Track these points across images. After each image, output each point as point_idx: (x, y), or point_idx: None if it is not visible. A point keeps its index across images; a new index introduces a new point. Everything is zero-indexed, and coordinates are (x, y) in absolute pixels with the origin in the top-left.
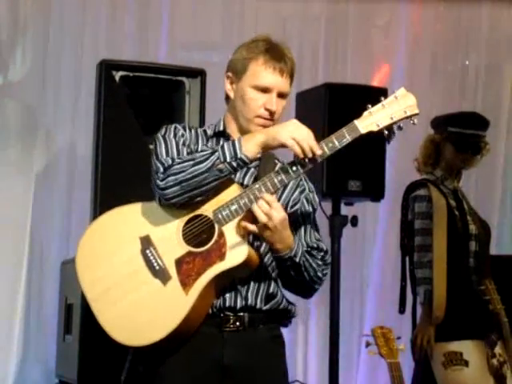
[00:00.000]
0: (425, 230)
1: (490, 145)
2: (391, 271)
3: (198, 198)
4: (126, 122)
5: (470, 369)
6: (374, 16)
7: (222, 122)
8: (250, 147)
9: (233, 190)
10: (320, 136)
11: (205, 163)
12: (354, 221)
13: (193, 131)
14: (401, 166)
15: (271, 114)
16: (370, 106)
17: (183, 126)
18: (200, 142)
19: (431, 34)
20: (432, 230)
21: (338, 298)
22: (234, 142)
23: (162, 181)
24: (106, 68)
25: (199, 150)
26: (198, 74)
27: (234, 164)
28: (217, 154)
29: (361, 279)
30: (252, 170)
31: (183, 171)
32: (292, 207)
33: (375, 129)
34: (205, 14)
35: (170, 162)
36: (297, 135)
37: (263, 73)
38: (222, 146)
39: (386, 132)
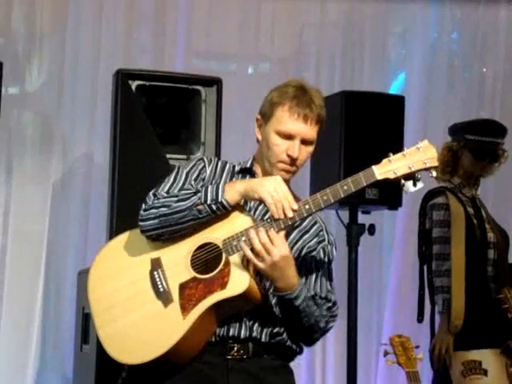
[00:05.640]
0: (443, 238)
1: (508, 152)
2: (409, 280)
3: (177, 234)
4: (143, 132)
5: (489, 378)
6: (391, 24)
7: (250, 160)
8: (231, 193)
9: (245, 221)
10: (337, 145)
11: (186, 202)
12: (372, 229)
13: (219, 165)
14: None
15: (293, 160)
16: (391, 154)
17: (209, 160)
18: (224, 176)
19: (448, 41)
20: (450, 239)
21: (355, 307)
22: (218, 185)
23: (144, 211)
24: (122, 77)
25: (185, 188)
26: (215, 82)
27: (214, 207)
28: (199, 194)
29: (378, 288)
30: None
31: (165, 206)
32: (306, 254)
33: (392, 176)
34: (221, 23)
35: (160, 195)
36: (275, 193)
37: (287, 119)
38: (206, 188)
39: (402, 181)
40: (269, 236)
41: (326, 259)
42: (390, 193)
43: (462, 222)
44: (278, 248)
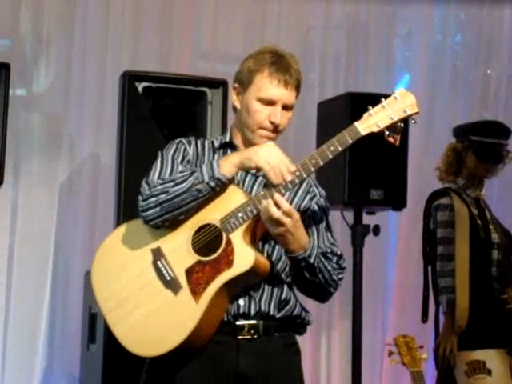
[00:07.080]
0: (447, 238)
1: None
2: (413, 280)
3: (181, 217)
4: (149, 133)
5: (493, 378)
6: (396, 25)
7: (228, 133)
8: (226, 167)
9: (239, 198)
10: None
11: (184, 184)
12: (376, 230)
13: (199, 144)
14: (423, 175)
15: (275, 126)
16: (370, 107)
17: (188, 141)
18: (207, 154)
19: (452, 43)
20: (454, 239)
21: (360, 307)
22: (212, 162)
23: (143, 201)
24: (129, 79)
25: (180, 171)
26: (220, 84)
27: (213, 184)
28: (195, 174)
29: (383, 288)
30: (260, 178)
31: (164, 192)
32: (302, 214)
33: (375, 129)
34: (227, 25)
35: (154, 183)
36: (271, 159)
37: (268, 85)
38: (201, 167)
39: (387, 132)
40: (277, 204)
41: (323, 212)
42: (394, 193)
43: (466, 223)
44: (288, 215)
